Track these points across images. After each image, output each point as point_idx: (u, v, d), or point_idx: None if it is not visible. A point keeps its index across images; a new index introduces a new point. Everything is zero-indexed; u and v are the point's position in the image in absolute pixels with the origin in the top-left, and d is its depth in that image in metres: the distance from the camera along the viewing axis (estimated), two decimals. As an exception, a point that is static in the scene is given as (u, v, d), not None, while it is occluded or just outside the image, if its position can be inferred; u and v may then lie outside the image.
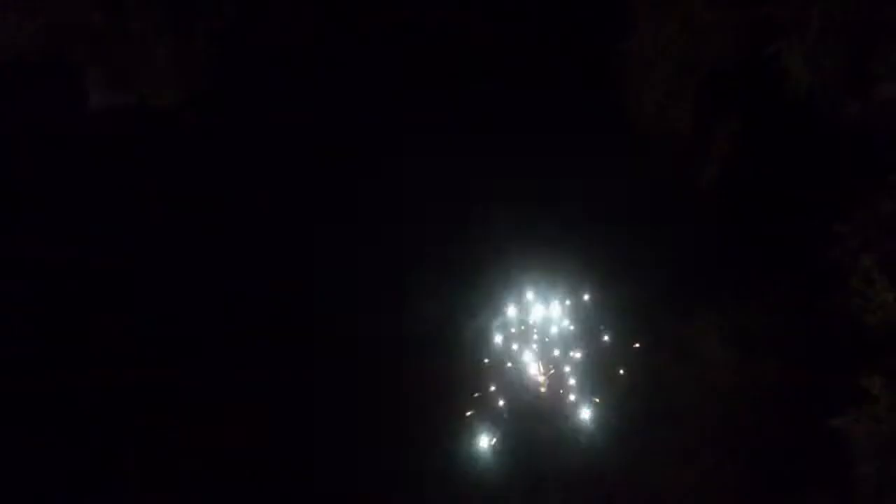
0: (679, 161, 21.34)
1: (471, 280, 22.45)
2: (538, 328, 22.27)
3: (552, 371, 21.83)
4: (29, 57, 23.66)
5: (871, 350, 20.11)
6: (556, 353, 21.93)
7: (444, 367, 21.72)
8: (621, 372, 20.88)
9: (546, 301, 22.16)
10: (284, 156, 23.66)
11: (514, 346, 22.35)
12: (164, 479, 21.90)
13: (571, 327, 22.01)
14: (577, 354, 21.74)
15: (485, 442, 21.62)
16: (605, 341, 21.67)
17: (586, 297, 22.09)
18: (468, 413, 21.84)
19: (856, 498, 19.71)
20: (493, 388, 21.99)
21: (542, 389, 21.93)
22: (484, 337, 22.41)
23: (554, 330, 22.03)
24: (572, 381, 21.60)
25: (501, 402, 21.93)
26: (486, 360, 22.10)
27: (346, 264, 22.61)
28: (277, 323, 22.43)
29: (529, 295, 22.31)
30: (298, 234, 23.29)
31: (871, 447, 19.74)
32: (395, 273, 22.45)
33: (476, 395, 21.95)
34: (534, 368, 22.08)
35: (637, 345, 21.15)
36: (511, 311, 22.39)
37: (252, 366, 22.15)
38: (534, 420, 21.82)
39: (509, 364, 22.41)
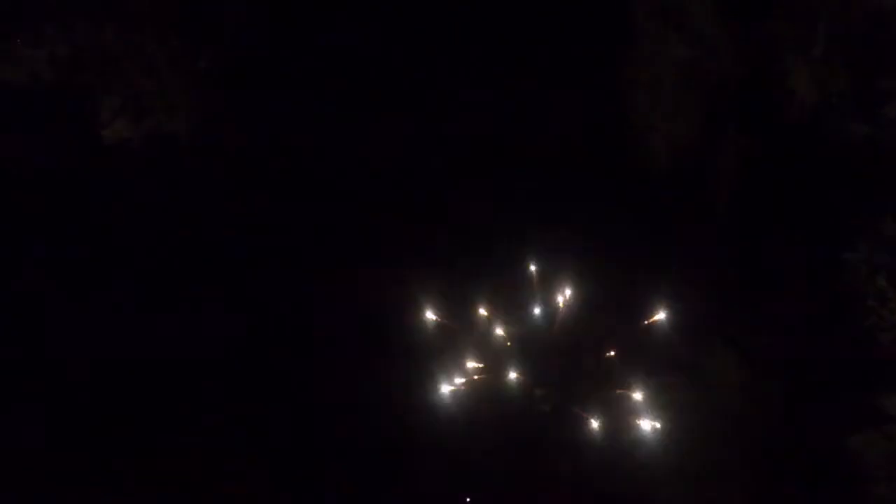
0: (687, 181, 21.30)
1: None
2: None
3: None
4: (44, 85, 23.93)
5: (886, 369, 20.16)
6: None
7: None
8: (632, 392, 20.87)
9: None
10: (292, 178, 23.80)
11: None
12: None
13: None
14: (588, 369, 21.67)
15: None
16: (616, 362, 21.60)
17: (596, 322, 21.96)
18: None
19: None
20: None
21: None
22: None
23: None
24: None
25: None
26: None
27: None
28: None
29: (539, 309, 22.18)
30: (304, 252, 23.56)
31: (886, 467, 19.84)
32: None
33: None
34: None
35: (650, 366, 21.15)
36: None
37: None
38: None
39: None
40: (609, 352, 21.45)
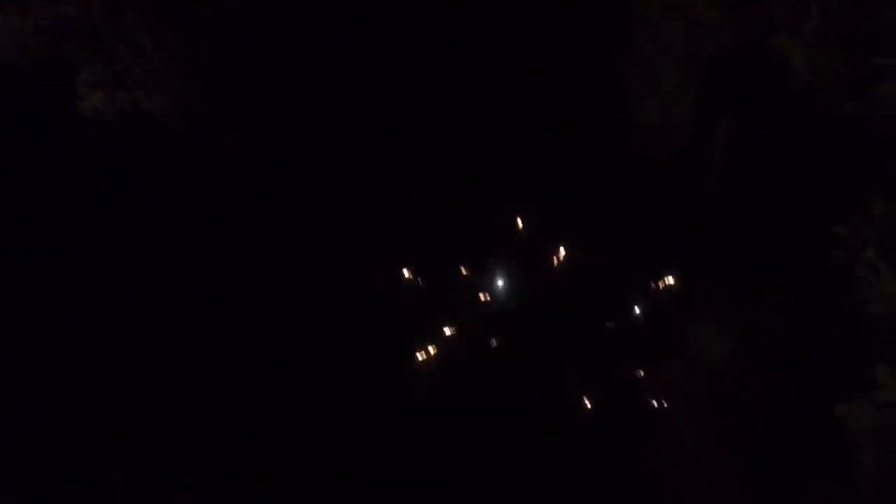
0: (682, 160, 21.71)
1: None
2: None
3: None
4: (23, 57, 23.53)
5: (875, 340, 20.73)
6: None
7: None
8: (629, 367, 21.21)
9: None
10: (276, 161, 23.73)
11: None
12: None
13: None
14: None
15: None
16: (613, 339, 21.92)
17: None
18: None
19: (859, 487, 20.30)
20: None
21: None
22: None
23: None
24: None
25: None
26: None
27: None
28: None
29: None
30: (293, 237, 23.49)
31: (874, 436, 20.35)
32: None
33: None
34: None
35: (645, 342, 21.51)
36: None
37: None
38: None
39: None
40: (598, 325, 21.81)
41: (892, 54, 20.17)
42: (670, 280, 21.42)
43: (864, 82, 20.64)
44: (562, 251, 21.98)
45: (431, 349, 21.91)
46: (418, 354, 21.68)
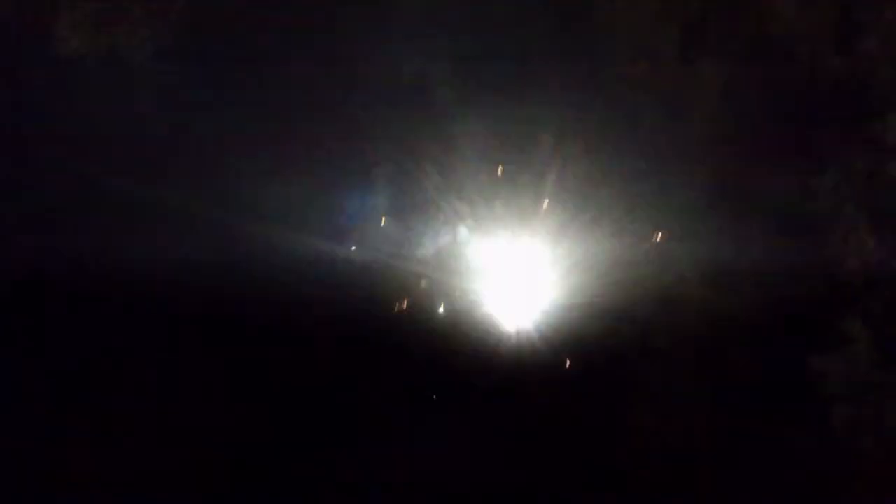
0: (663, 99, 21.59)
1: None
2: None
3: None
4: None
5: (850, 293, 20.83)
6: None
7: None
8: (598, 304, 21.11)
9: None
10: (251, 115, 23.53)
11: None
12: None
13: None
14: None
15: None
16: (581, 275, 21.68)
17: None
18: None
19: (831, 437, 20.47)
20: None
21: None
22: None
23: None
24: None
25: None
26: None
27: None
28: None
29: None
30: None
31: (847, 388, 20.52)
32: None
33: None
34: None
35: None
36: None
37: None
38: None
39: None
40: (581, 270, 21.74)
41: (875, 9, 20.13)
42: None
43: (848, 36, 20.59)
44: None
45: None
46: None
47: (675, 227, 21.44)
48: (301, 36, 23.30)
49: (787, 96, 21.33)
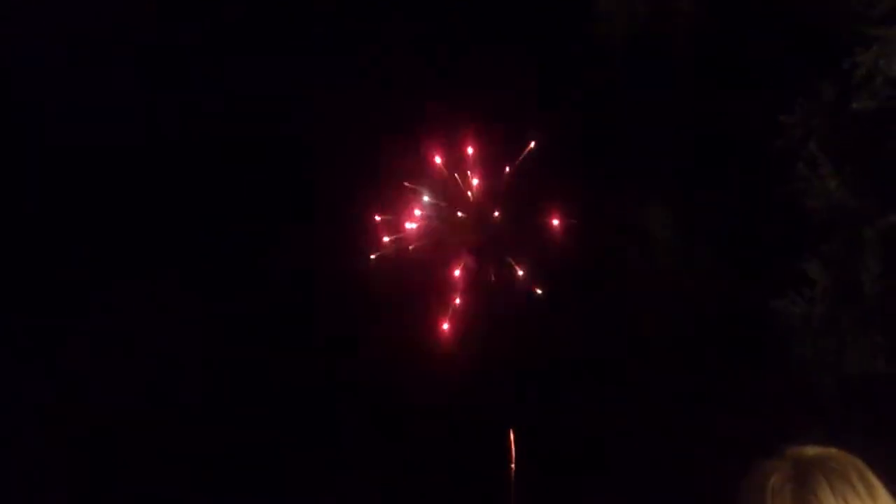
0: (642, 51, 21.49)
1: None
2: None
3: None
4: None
5: (811, 235, 20.30)
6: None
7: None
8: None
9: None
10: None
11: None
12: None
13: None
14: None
15: None
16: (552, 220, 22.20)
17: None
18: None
19: (793, 381, 20.47)
20: None
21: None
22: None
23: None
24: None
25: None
26: None
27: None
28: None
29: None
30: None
31: (806, 330, 20.26)
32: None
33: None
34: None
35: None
36: None
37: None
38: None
39: None
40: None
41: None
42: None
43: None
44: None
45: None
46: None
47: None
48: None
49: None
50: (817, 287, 20.12)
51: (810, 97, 20.02)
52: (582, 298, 21.99)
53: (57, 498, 22.38)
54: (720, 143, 20.67)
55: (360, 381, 22.73)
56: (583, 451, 22.38)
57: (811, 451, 3.73)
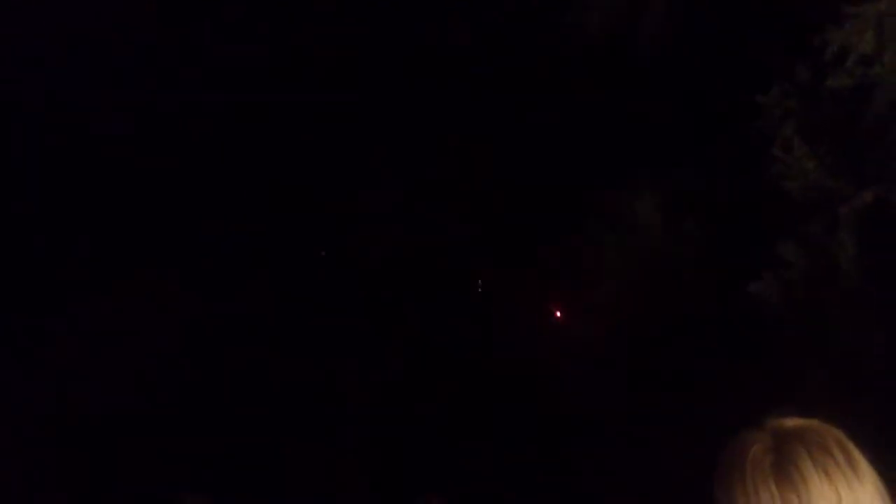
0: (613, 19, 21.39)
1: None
2: None
3: None
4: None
5: (788, 216, 20.13)
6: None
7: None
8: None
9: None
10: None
11: None
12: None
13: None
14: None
15: None
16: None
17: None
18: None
19: (770, 364, 20.30)
20: None
21: None
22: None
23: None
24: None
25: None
26: None
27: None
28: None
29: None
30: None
31: (784, 312, 20.07)
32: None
33: None
34: None
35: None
36: None
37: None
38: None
39: None
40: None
41: None
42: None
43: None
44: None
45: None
46: None
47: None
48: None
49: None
50: (794, 269, 19.96)
51: (786, 77, 19.88)
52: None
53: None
54: (698, 125, 20.51)
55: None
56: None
57: (791, 422, 3.75)
